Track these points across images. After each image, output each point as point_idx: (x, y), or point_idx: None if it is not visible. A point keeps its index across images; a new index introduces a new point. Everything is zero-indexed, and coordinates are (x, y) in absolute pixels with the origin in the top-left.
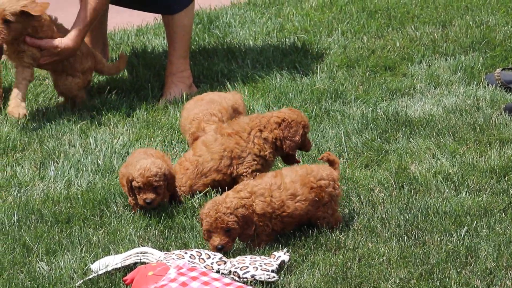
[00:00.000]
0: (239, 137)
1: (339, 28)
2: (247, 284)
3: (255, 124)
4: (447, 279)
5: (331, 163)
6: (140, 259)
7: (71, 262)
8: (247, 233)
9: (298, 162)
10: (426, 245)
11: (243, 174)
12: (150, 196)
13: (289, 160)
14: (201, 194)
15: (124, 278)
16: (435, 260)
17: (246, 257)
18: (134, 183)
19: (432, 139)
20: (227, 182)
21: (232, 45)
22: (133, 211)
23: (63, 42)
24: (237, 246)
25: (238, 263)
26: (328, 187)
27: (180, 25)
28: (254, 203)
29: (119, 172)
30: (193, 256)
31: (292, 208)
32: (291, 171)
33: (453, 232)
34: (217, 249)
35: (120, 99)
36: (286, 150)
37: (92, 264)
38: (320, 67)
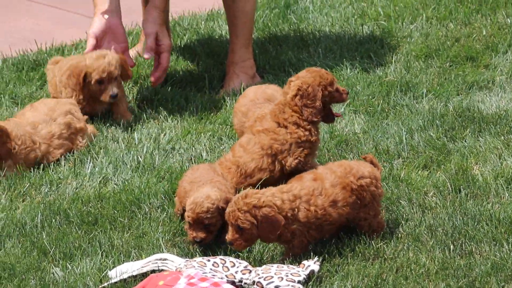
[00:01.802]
0: (272, 132)
1: (423, 14)
2: None
3: (275, 114)
4: None
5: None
6: (159, 266)
7: (88, 268)
8: (269, 237)
9: (338, 115)
10: (472, 255)
11: (298, 166)
12: (199, 235)
13: (327, 118)
14: None
15: None
16: (478, 272)
17: (272, 266)
18: (185, 216)
19: (502, 137)
20: (279, 178)
21: (305, 32)
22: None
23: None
24: (264, 252)
25: (263, 273)
26: (370, 186)
27: (241, 10)
28: (297, 208)
29: (181, 187)
30: (216, 264)
31: (334, 216)
32: (329, 171)
33: (504, 242)
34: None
35: (175, 90)
36: (308, 118)
37: (110, 270)
38: (396, 57)
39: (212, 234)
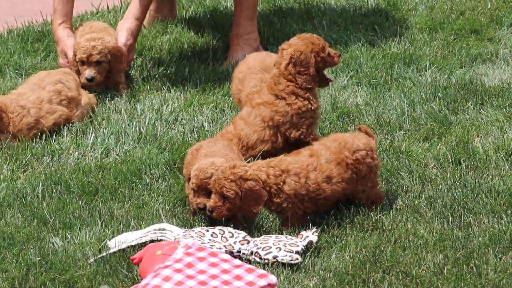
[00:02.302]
0: (271, 104)
1: None
2: (268, 266)
3: (271, 87)
4: (484, 265)
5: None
6: (157, 237)
7: (87, 238)
8: (250, 210)
9: (330, 80)
10: (470, 227)
11: (301, 137)
12: (203, 201)
13: (321, 83)
14: None
15: (132, 257)
16: (476, 244)
17: (270, 237)
18: (189, 184)
19: (504, 110)
20: (280, 149)
21: (310, 5)
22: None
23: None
24: (263, 223)
25: (261, 243)
26: (366, 158)
27: None
28: (283, 182)
29: (195, 158)
30: (215, 234)
31: (328, 192)
32: (324, 148)
33: (502, 214)
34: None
35: (179, 61)
36: (302, 86)
37: (109, 240)
38: (400, 30)
39: None
